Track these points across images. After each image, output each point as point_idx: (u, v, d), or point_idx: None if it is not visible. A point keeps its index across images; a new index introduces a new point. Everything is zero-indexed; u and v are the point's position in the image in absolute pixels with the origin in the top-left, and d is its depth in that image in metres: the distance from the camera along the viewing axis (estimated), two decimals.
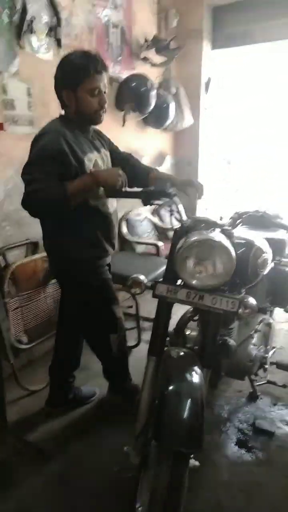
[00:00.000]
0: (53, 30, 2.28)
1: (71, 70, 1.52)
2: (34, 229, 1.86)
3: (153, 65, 3.15)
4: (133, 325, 2.79)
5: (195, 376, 1.16)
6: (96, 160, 1.63)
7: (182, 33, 3.37)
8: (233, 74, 3.99)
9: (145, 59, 3.06)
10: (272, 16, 3.33)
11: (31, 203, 1.44)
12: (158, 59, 3.19)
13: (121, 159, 1.85)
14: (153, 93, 2.89)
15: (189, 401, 1.08)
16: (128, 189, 1.58)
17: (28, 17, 2.10)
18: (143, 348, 2.52)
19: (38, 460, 1.70)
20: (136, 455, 1.29)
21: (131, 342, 2.58)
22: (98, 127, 1.74)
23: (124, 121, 2.92)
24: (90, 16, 2.53)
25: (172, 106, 3.21)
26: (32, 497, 1.54)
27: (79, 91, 1.53)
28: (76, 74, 1.51)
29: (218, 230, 1.33)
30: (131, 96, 2.79)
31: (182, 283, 1.31)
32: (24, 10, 2.07)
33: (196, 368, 1.19)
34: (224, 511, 1.48)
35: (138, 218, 3.30)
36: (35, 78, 2.20)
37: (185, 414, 1.06)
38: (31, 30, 2.14)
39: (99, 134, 1.81)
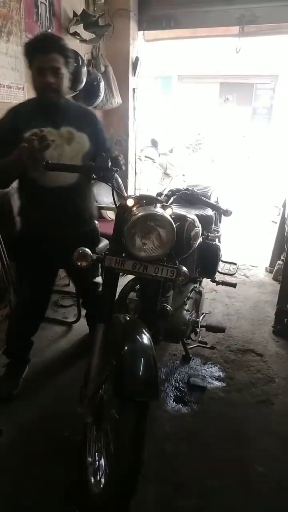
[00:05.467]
0: None
1: (25, 51, 1.67)
2: None
3: (82, 40, 3.10)
4: (71, 302, 2.85)
5: (145, 338, 1.28)
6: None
7: (110, 11, 3.37)
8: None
9: (75, 33, 3.00)
10: (195, 1, 3.49)
11: None
12: (87, 35, 3.15)
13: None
14: (84, 69, 2.87)
15: (143, 359, 1.21)
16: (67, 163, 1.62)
17: None
18: (83, 322, 2.60)
19: None
20: (89, 415, 1.38)
21: (71, 318, 2.64)
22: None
23: None
24: None
25: (102, 84, 3.23)
26: None
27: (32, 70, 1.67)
28: (26, 55, 1.67)
29: (159, 205, 1.45)
30: None
31: (128, 255, 1.41)
32: None
33: (144, 330, 1.32)
34: (169, 458, 1.65)
35: None
36: None
37: (142, 369, 1.18)
38: None
39: (80, 113, 1.87)
